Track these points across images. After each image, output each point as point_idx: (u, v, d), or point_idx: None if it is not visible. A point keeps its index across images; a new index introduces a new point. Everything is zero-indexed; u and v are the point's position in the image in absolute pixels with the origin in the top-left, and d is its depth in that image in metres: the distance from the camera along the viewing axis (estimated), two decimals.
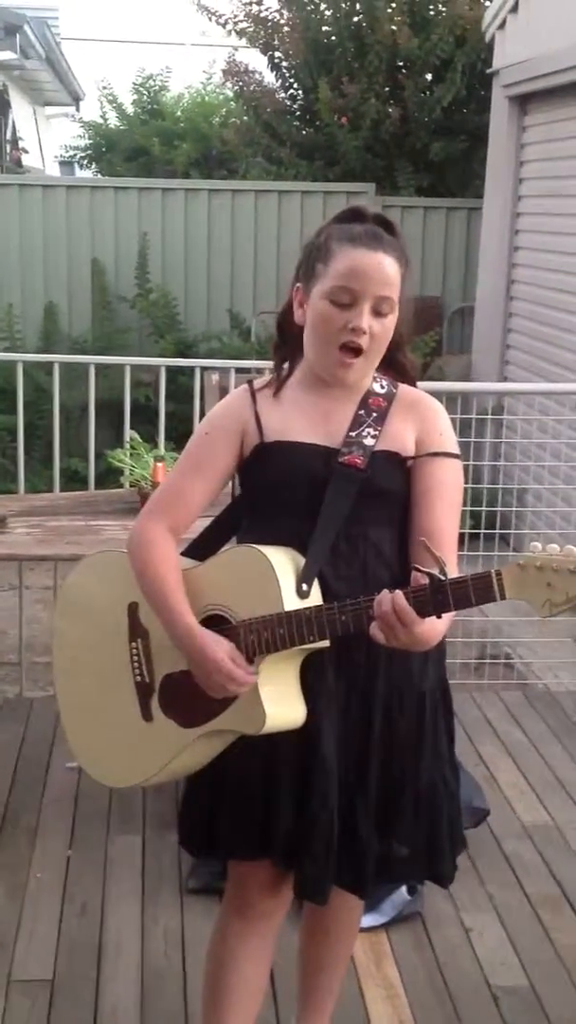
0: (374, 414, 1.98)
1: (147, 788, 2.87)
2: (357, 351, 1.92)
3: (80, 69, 14.08)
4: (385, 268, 1.91)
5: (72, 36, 15.34)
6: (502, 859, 3.21)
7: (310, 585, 1.89)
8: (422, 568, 1.74)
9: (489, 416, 5.01)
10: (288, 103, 9.23)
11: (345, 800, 2.00)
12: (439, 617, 1.76)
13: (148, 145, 11.31)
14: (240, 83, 9.47)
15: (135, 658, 2.04)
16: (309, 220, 7.51)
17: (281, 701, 1.90)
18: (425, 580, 1.73)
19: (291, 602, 1.86)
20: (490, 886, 3.08)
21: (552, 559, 1.65)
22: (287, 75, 9.09)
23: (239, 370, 4.47)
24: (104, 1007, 2.55)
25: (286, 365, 2.06)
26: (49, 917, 2.85)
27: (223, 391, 4.92)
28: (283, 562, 1.89)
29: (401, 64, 8.41)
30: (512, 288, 7.03)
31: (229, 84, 10.13)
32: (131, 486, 3.55)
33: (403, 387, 2.06)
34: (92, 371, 4.27)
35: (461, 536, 2.03)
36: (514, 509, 4.79)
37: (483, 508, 4.53)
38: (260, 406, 2.01)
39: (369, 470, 1.94)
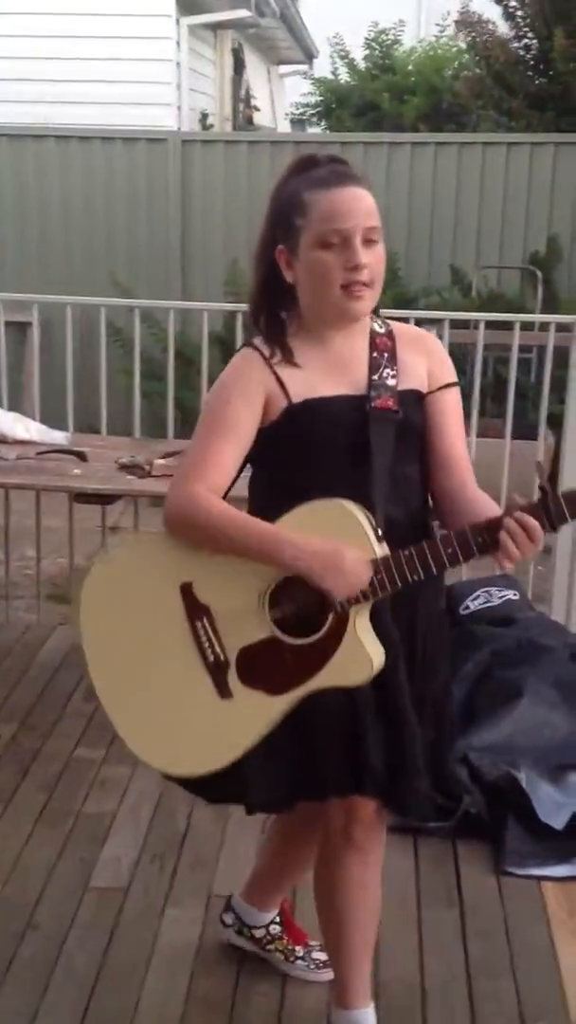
0: (386, 354, 2.03)
1: None
2: (365, 284, 1.94)
3: (314, 26, 14.15)
4: (362, 198, 1.95)
5: None
6: None
7: (380, 531, 1.91)
8: (544, 487, 1.83)
9: None
10: (521, 53, 9.03)
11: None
12: (556, 530, 1.85)
13: (378, 100, 11.29)
14: (473, 34, 9.32)
15: (203, 638, 1.97)
16: (538, 172, 7.33)
17: (374, 645, 1.92)
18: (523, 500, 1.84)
19: (378, 549, 1.88)
20: None
21: None
22: (521, 24, 8.89)
23: (454, 323, 4.45)
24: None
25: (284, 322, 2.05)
26: (249, 838, 2.98)
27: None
28: (359, 510, 1.90)
29: None
30: None
31: (462, 36, 9.98)
32: None
33: (393, 323, 2.12)
34: None
35: None
36: None
37: None
38: (277, 368, 1.99)
39: (401, 410, 1.99)
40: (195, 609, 1.97)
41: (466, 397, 4.50)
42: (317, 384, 1.99)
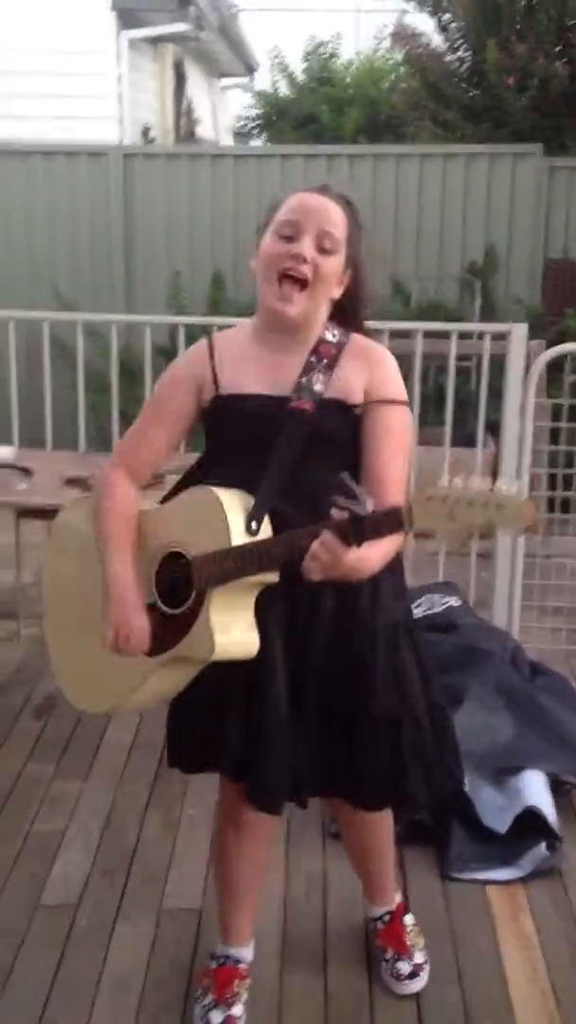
0: (324, 361, 2.10)
1: None
2: (302, 283, 2.04)
3: (254, 39, 14.21)
4: (328, 207, 2.08)
5: (246, 6, 15.45)
6: None
7: (259, 524, 2.00)
8: (341, 502, 1.80)
9: None
10: (456, 65, 9.14)
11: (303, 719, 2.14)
12: (358, 546, 1.80)
13: (317, 113, 11.36)
14: (408, 47, 9.42)
15: None
16: (474, 183, 7.43)
17: (232, 631, 2.02)
18: (345, 514, 1.81)
19: (239, 539, 1.98)
20: None
21: (453, 492, 1.69)
22: (455, 37, 9.00)
23: (394, 333, 4.50)
24: None
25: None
26: (199, 852, 3.00)
27: None
28: (233, 502, 2.01)
29: (572, 21, 8.22)
30: None
31: (397, 48, 10.08)
32: None
33: (356, 336, 2.17)
34: None
35: None
36: None
37: None
38: (217, 360, 2.16)
39: (318, 414, 2.06)
40: None
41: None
42: (244, 380, 2.12)
